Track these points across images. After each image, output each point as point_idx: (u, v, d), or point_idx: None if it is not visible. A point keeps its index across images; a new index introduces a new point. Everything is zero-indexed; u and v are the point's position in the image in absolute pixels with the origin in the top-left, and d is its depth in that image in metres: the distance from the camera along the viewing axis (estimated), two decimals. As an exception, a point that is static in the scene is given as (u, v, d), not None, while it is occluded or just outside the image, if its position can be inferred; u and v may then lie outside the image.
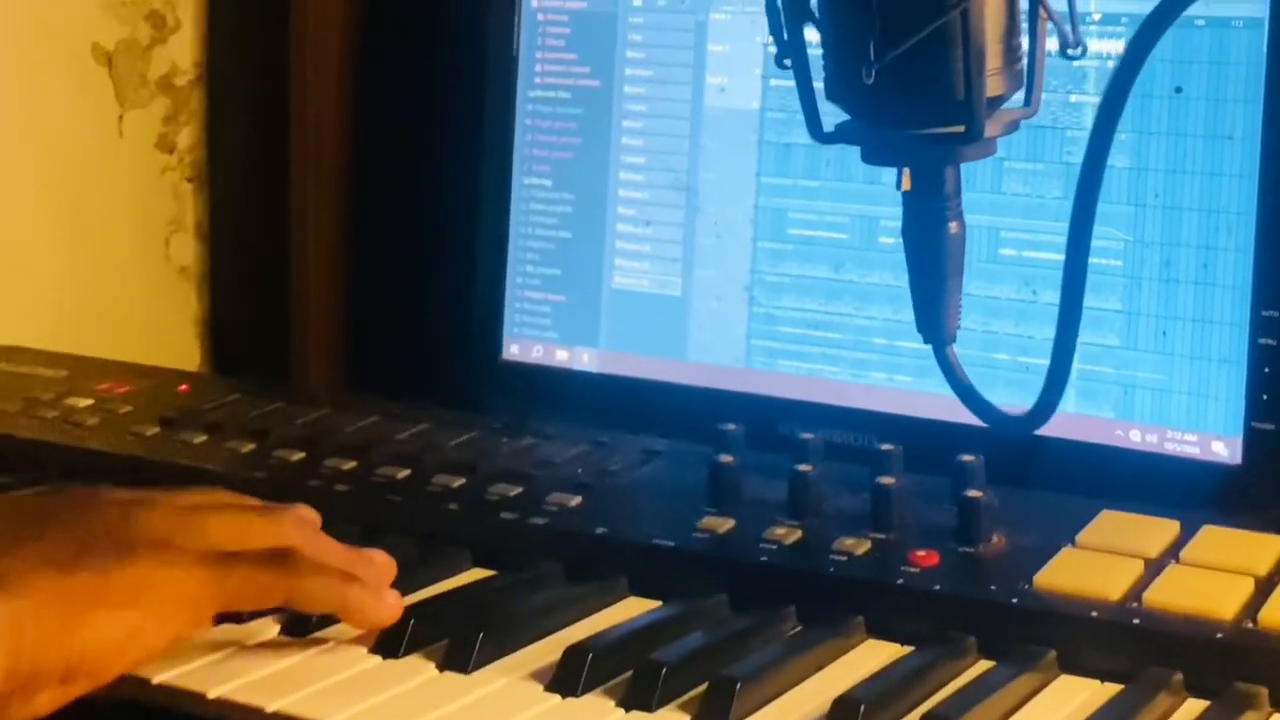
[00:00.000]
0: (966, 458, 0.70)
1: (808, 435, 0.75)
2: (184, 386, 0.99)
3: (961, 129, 0.56)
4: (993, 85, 0.57)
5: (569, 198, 1.00)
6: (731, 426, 0.77)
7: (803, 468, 0.72)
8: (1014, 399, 0.83)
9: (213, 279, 1.25)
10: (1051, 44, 0.61)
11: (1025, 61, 0.59)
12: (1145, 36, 0.55)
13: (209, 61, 1.23)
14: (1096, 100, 0.81)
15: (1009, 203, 0.83)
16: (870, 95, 0.56)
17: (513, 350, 1.01)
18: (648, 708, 0.58)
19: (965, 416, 0.63)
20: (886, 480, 0.70)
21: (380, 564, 0.67)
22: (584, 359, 0.99)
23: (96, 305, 1.19)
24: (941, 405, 0.79)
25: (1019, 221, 0.83)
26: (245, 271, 1.24)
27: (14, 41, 1.13)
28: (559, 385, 0.99)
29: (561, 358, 1.00)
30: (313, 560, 0.64)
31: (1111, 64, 0.80)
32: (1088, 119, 0.82)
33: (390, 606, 0.64)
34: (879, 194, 0.86)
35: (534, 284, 1.01)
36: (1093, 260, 0.83)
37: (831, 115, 0.61)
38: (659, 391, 0.95)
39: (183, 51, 1.22)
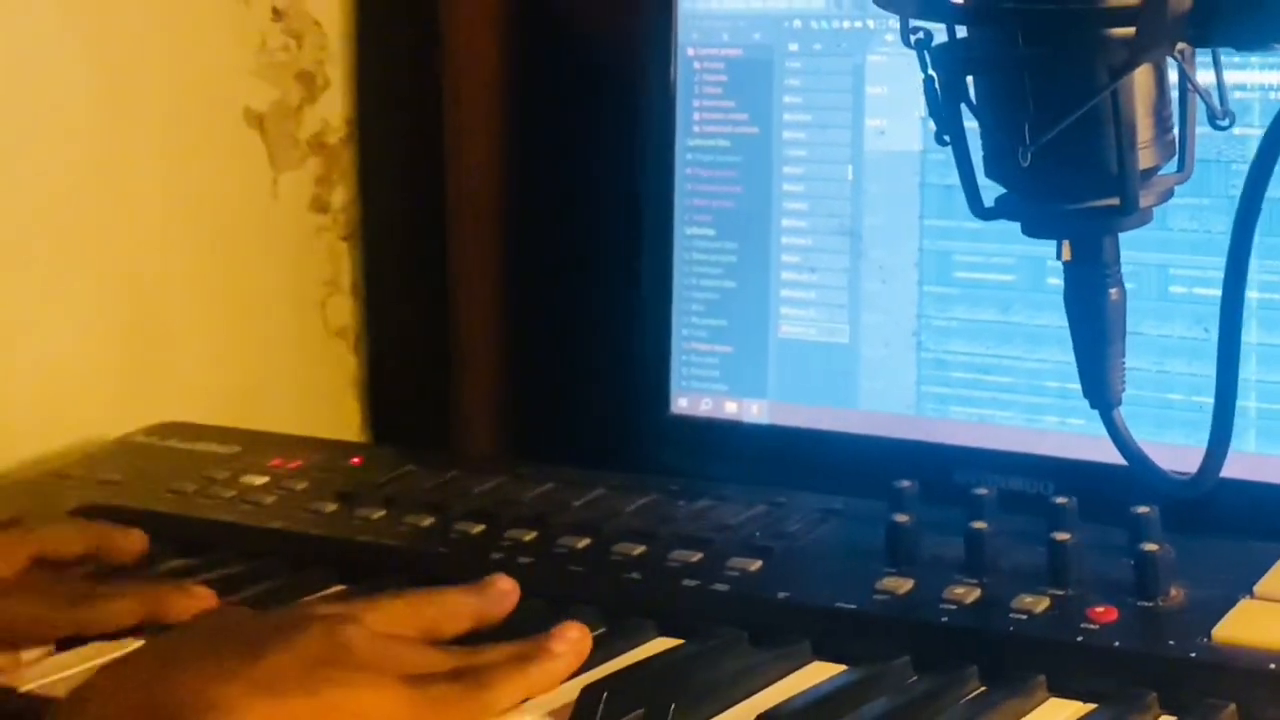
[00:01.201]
0: (1142, 509, 0.79)
1: (982, 490, 0.85)
2: (356, 459, 1.10)
3: (1116, 201, 0.65)
4: (1145, 158, 0.65)
5: (732, 247, 1.11)
6: (906, 483, 0.87)
7: (978, 525, 0.81)
8: (1189, 440, 0.92)
9: (370, 340, 1.38)
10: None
11: (1177, 129, 0.67)
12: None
13: (360, 118, 1.36)
14: (1261, 133, 0.89)
15: (1176, 239, 0.92)
16: (1028, 173, 0.65)
17: (681, 404, 1.12)
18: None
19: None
20: (1062, 536, 0.79)
21: (572, 639, 0.78)
22: (753, 410, 1.10)
23: (253, 370, 1.32)
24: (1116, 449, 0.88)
25: (1187, 258, 0.92)
26: (403, 331, 1.36)
27: (166, 109, 1.26)
28: (729, 438, 1.10)
29: (731, 410, 1.10)
30: (495, 669, 0.75)
31: (1274, 96, 0.89)
32: (1253, 152, 0.89)
33: (564, 658, 0.76)
34: (1046, 235, 0.96)
35: (700, 335, 1.12)
36: (1265, 295, 0.91)
37: (990, 189, 0.70)
38: (831, 442, 1.05)
39: (333, 109, 1.36)
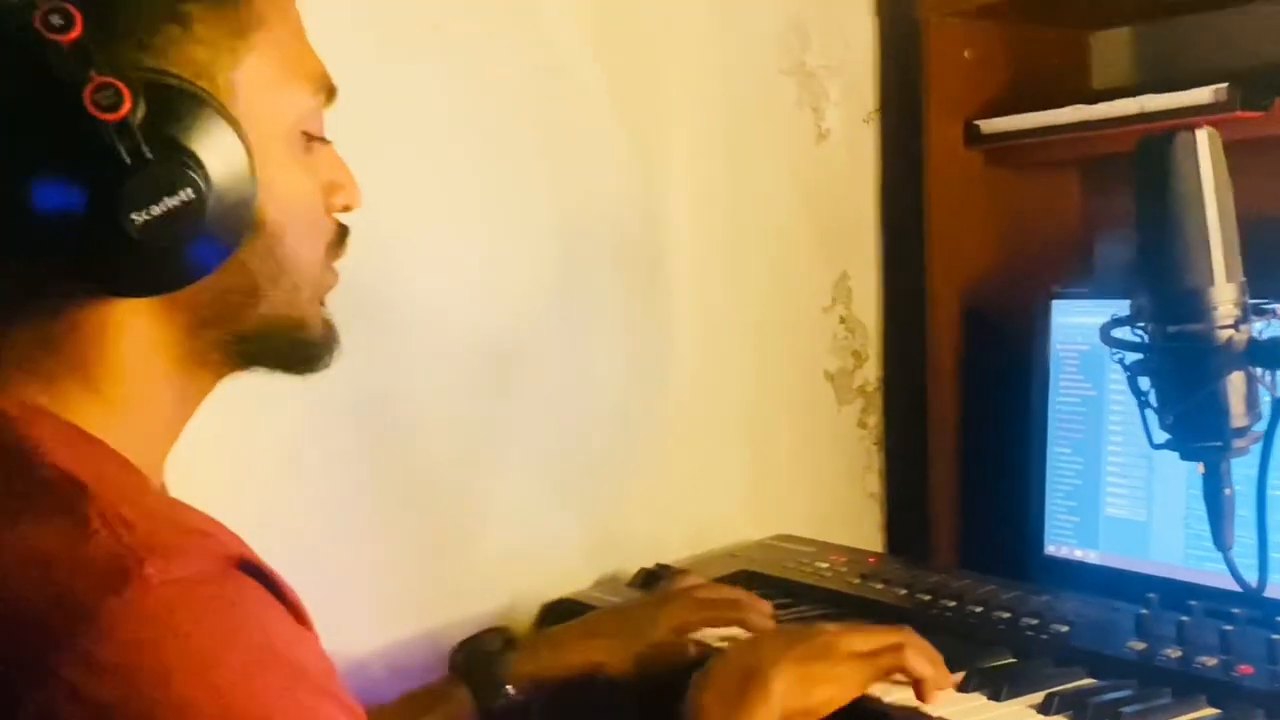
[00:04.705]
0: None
1: (1194, 602, 1.05)
2: (873, 560, 1.31)
3: (1221, 444, 0.85)
4: (1238, 420, 0.83)
5: (1080, 460, 1.29)
6: (1152, 595, 1.07)
7: (1183, 618, 1.03)
8: None
9: (888, 500, 1.57)
10: None
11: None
12: None
13: (885, 378, 1.56)
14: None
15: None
16: (1177, 426, 0.86)
17: (1051, 548, 1.31)
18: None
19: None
20: (1227, 627, 1.00)
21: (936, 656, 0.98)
22: (1091, 556, 1.29)
23: (828, 512, 1.51)
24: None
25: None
26: (906, 497, 1.55)
27: (788, 372, 1.48)
28: (1076, 570, 1.27)
29: (1078, 554, 1.29)
30: (903, 658, 0.94)
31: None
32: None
33: (943, 677, 0.96)
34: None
35: (1062, 510, 1.31)
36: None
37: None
38: (1132, 578, 1.22)
39: (871, 372, 1.56)
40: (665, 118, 1.40)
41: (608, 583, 1.32)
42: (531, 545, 1.30)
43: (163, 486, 0.72)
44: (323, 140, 0.73)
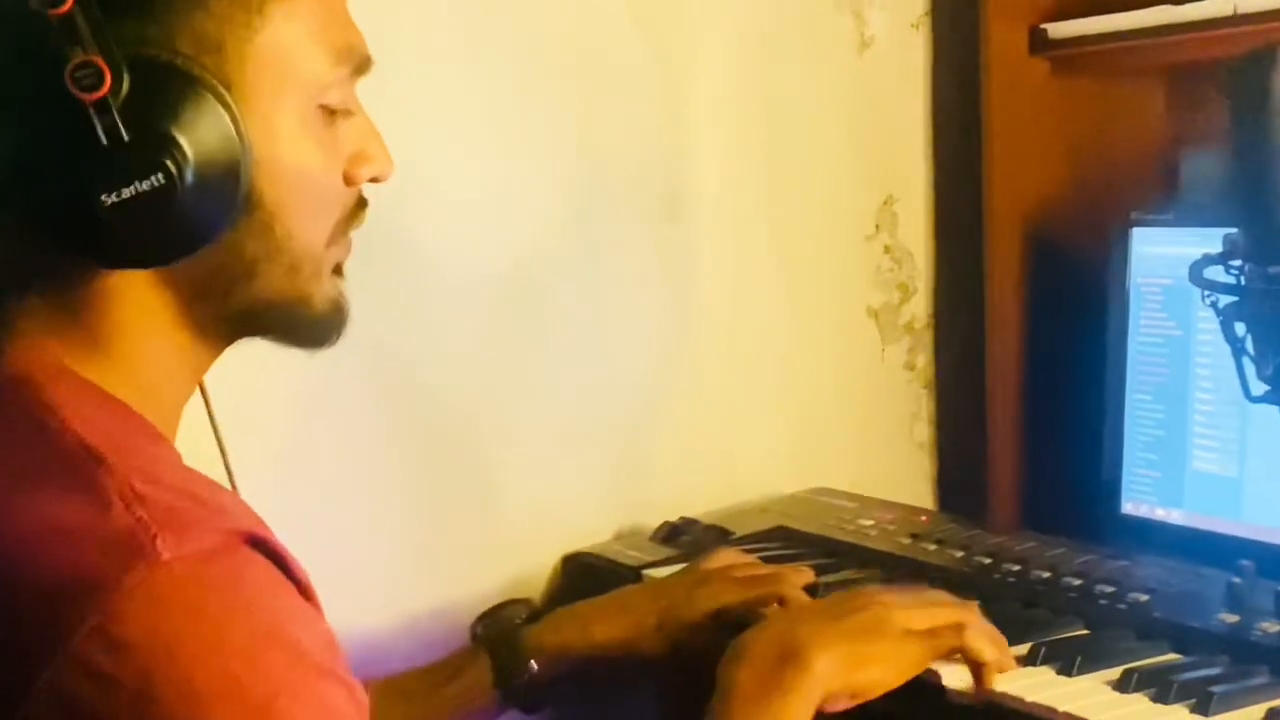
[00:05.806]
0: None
1: None
2: (924, 518, 1.27)
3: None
4: None
5: (1162, 408, 1.24)
6: (1246, 562, 1.02)
7: None
8: None
9: (939, 451, 1.53)
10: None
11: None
12: None
13: (936, 313, 1.52)
14: None
15: None
16: (1273, 378, 0.83)
17: (1128, 507, 1.26)
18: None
19: None
20: None
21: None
22: (1174, 515, 1.24)
23: (870, 464, 1.47)
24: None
25: None
26: (959, 446, 1.51)
27: (829, 308, 1.45)
28: (1157, 531, 1.23)
29: (1160, 514, 1.24)
30: (964, 639, 0.89)
31: None
32: None
33: (1006, 660, 0.91)
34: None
35: (1142, 465, 1.26)
36: None
37: None
38: (1221, 541, 1.17)
39: (919, 307, 1.52)
40: (692, 30, 1.36)
41: (629, 536, 1.30)
42: (552, 497, 1.29)
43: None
44: (347, 112, 0.74)
